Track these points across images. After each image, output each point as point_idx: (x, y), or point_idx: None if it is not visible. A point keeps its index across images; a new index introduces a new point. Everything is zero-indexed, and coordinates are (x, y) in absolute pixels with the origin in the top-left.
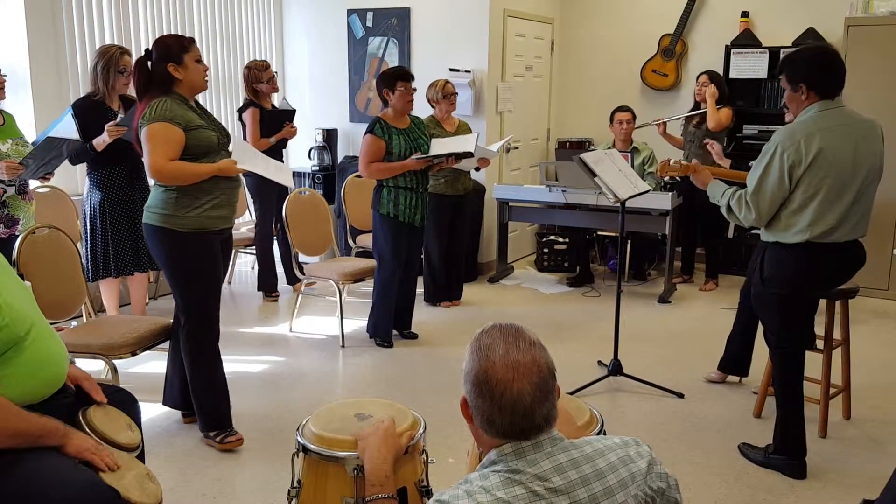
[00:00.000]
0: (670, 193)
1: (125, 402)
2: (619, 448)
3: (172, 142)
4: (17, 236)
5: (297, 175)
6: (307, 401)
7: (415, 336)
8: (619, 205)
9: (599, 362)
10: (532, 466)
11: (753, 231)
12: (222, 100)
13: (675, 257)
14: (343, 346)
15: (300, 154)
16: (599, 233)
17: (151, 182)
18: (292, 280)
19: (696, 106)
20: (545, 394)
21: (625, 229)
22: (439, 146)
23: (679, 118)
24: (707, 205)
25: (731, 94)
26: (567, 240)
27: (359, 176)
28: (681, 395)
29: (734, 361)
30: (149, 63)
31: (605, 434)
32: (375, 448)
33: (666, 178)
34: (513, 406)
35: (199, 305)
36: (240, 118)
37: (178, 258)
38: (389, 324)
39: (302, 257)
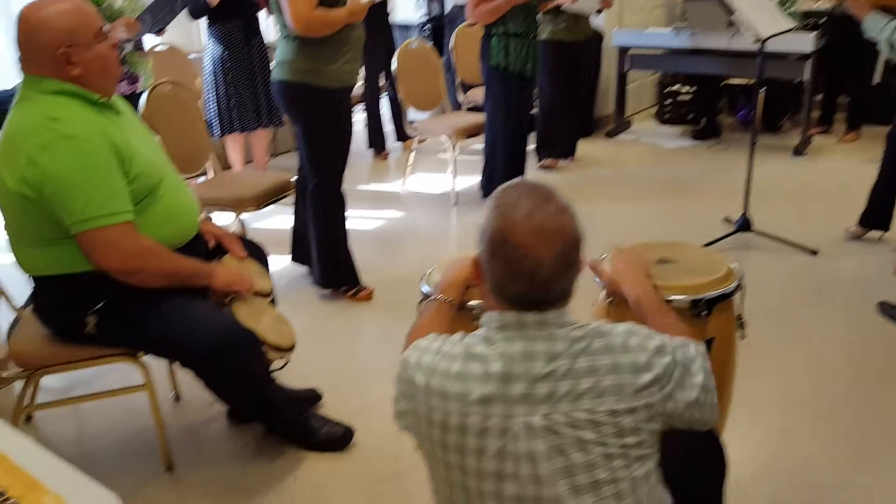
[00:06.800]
0: (812, 34)
1: (254, 252)
2: (626, 352)
3: None
4: (139, 94)
5: (405, 28)
6: (419, 256)
7: None
8: (757, 45)
9: (726, 219)
10: (506, 343)
11: None
12: None
13: (814, 106)
14: (456, 204)
15: (406, 4)
16: (728, 81)
17: (274, 37)
18: (402, 137)
19: None
20: (566, 266)
21: (762, 74)
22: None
23: None
24: (859, 47)
25: None
26: (694, 89)
27: (470, 25)
28: (814, 252)
29: (876, 214)
30: None
31: (740, 288)
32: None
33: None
34: (530, 275)
35: (332, 163)
36: None
37: (317, 115)
38: (504, 181)
39: (410, 115)
